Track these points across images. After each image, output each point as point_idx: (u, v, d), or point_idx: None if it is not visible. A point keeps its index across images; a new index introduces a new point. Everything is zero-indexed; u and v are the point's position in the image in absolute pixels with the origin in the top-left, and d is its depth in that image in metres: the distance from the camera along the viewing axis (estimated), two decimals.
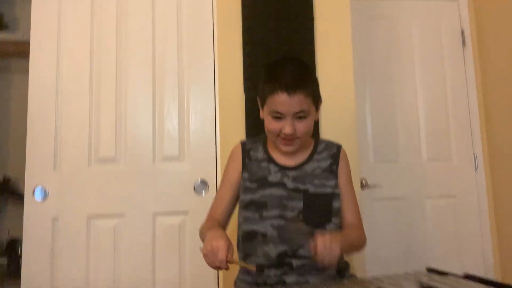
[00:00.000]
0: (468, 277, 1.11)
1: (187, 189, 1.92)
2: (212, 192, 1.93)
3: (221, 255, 1.03)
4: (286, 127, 1.22)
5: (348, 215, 1.34)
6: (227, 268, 1.06)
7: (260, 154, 1.35)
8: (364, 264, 1.97)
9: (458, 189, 2.46)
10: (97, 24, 1.96)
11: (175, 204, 1.91)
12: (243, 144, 1.38)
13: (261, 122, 1.91)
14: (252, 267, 1.10)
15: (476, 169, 2.48)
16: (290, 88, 1.19)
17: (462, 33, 2.57)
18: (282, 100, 1.20)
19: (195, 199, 1.92)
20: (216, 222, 1.29)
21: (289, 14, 1.96)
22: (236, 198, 1.36)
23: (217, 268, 1.06)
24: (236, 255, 1.21)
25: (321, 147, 1.38)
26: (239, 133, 1.91)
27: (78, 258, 1.82)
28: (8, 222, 2.29)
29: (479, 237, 2.43)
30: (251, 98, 1.92)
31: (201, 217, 1.87)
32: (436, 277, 1.14)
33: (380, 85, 2.47)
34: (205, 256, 1.06)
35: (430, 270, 1.22)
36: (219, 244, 1.04)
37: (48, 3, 1.94)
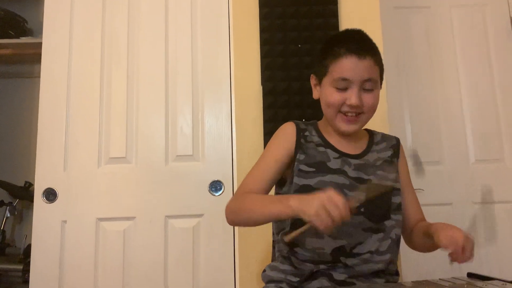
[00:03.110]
0: None
1: (202, 190, 1.80)
2: (228, 194, 1.80)
3: (339, 200, 0.88)
4: (352, 98, 1.08)
5: (415, 212, 1.23)
6: (348, 218, 0.89)
7: (315, 137, 1.19)
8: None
9: None
10: (108, 23, 1.92)
11: (189, 206, 1.80)
12: (296, 123, 1.22)
13: (281, 116, 1.80)
14: None
15: None
16: (360, 51, 1.08)
17: (511, 20, 2.33)
18: (351, 64, 1.08)
19: (210, 200, 1.80)
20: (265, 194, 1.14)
21: None
22: (278, 177, 1.18)
23: (339, 222, 0.88)
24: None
25: (377, 137, 1.25)
26: (257, 130, 1.78)
27: (87, 262, 1.75)
28: (28, 229, 2.25)
29: None
30: (269, 91, 1.78)
31: (217, 220, 1.79)
32: (479, 282, 0.92)
33: (418, 83, 2.30)
34: (318, 216, 0.88)
35: (471, 275, 1.01)
36: (329, 191, 0.89)
37: (60, 5, 1.92)
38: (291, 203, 0.94)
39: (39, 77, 1.89)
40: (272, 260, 1.25)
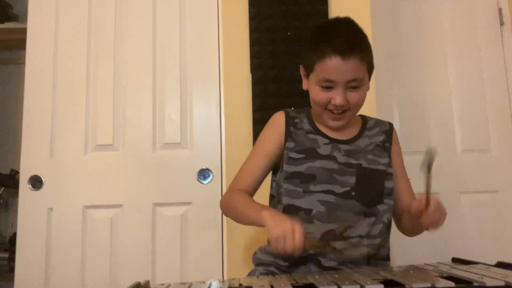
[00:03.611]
0: (501, 265, 0.89)
1: (190, 178, 1.79)
2: (217, 182, 1.79)
3: (299, 236, 0.91)
4: (337, 98, 1.08)
5: (406, 196, 1.22)
6: (298, 253, 0.93)
7: (305, 125, 1.20)
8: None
9: (498, 184, 2.21)
10: (95, 8, 1.89)
11: (177, 194, 1.79)
12: (286, 112, 1.23)
13: (270, 104, 1.80)
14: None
15: None
16: (345, 52, 1.05)
17: (500, 11, 2.35)
18: (335, 66, 1.06)
19: (198, 189, 1.79)
20: (253, 200, 1.17)
21: None
22: (269, 169, 1.22)
23: (289, 253, 0.93)
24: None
25: (370, 123, 1.25)
26: (246, 118, 1.77)
27: (73, 250, 1.73)
28: (14, 217, 2.22)
29: None
30: (258, 79, 1.77)
31: (205, 208, 1.78)
32: (463, 266, 0.93)
33: (407, 71, 2.29)
34: (277, 239, 0.92)
35: (456, 260, 1.02)
36: (295, 225, 0.92)
37: None
38: (263, 214, 0.98)
39: (24, 63, 1.85)
40: None
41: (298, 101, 1.74)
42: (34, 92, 1.82)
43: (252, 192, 1.20)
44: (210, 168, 1.80)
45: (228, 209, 1.19)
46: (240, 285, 0.79)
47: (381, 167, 1.15)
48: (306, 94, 1.20)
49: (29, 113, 1.81)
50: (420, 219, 1.01)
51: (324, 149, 1.15)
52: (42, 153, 1.78)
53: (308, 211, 1.10)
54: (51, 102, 1.81)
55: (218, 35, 1.88)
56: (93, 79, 1.84)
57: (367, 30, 1.79)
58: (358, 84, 1.09)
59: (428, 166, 0.94)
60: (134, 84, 1.84)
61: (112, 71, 1.84)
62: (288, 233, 0.91)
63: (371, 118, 1.27)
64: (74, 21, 1.87)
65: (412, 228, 1.18)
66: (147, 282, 0.85)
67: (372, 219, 1.11)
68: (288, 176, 1.13)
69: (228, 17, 1.84)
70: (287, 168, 1.14)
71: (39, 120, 1.80)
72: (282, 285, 0.76)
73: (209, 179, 1.79)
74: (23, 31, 1.98)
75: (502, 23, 2.33)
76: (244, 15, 1.82)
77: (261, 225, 0.99)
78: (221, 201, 1.22)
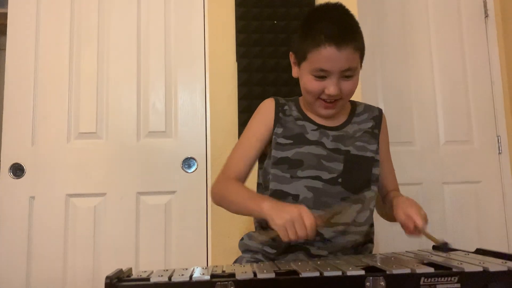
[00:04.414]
0: (479, 251, 0.91)
1: (174, 167, 1.78)
2: (201, 171, 1.78)
3: (309, 218, 0.89)
4: (331, 87, 1.07)
5: (389, 182, 1.25)
6: (313, 236, 0.90)
7: (294, 112, 1.19)
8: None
9: (480, 174, 2.24)
10: None
11: (161, 183, 1.78)
12: (276, 98, 1.22)
13: (256, 93, 1.79)
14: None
15: (500, 152, 2.26)
16: (339, 41, 1.03)
17: (485, 4, 2.37)
18: (329, 55, 1.04)
19: (183, 177, 1.79)
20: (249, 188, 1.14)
21: None
22: (259, 155, 1.19)
23: (303, 237, 0.89)
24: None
25: (359, 108, 1.24)
26: (231, 107, 1.77)
27: (56, 239, 1.72)
28: None
29: (503, 226, 2.22)
30: (244, 68, 1.76)
31: (190, 197, 1.78)
32: (442, 253, 0.95)
33: (392, 62, 2.29)
34: (285, 228, 0.89)
35: (436, 248, 1.03)
36: (301, 209, 0.90)
37: None
38: (264, 205, 0.96)
39: (5, 49, 1.81)
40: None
41: (283, 90, 1.74)
42: (15, 79, 1.78)
43: (243, 179, 1.18)
44: (194, 157, 1.79)
45: (221, 199, 1.14)
46: (223, 272, 0.79)
47: (369, 154, 1.15)
48: (292, 83, 1.20)
49: (10, 100, 1.77)
50: (404, 230, 1.03)
51: (312, 135, 1.15)
52: (23, 141, 1.75)
53: (295, 197, 1.10)
54: (33, 89, 1.78)
55: (203, 23, 1.86)
56: (76, 66, 1.81)
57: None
58: (351, 74, 1.08)
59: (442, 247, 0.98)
60: (118, 71, 1.82)
61: (95, 58, 1.82)
62: (297, 219, 0.88)
63: (360, 103, 1.26)
64: (56, 6, 1.83)
65: (391, 218, 1.19)
66: (130, 269, 0.85)
67: (359, 206, 1.12)
68: (276, 162, 1.13)
69: (214, 4, 1.82)
70: (275, 153, 1.13)
71: (20, 107, 1.77)
72: (265, 271, 0.76)
73: (193, 168, 1.79)
74: (4, 16, 1.93)
75: (486, 15, 2.35)
76: (230, 2, 1.81)
77: (260, 216, 0.97)
78: (212, 191, 1.17)
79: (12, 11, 1.83)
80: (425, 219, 0.99)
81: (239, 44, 1.78)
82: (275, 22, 1.78)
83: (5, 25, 1.84)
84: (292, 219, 0.89)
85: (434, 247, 1.01)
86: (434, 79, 2.30)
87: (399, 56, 2.29)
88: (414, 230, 0.99)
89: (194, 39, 1.85)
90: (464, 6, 2.36)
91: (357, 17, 1.75)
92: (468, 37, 2.34)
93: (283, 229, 0.89)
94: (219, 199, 1.15)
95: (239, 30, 1.79)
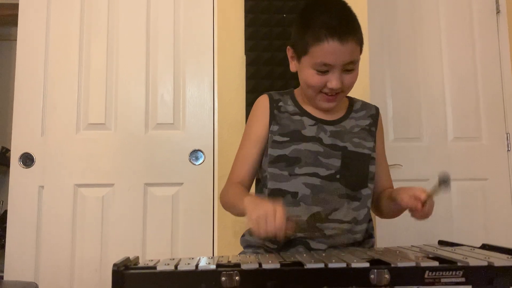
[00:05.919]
0: (485, 246, 0.91)
1: (182, 158, 1.80)
2: (209, 163, 1.79)
3: (280, 216, 0.88)
4: (333, 81, 1.06)
5: (384, 180, 1.25)
6: (282, 235, 0.90)
7: (290, 107, 1.19)
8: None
9: (488, 172, 2.22)
10: None
11: (169, 175, 1.80)
12: (270, 94, 1.22)
13: (264, 86, 1.79)
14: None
15: (508, 149, 2.25)
16: (342, 35, 1.02)
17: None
18: (332, 50, 1.03)
19: (190, 170, 1.80)
20: (245, 189, 1.15)
21: None
22: (262, 155, 1.19)
23: (272, 234, 0.89)
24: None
25: (357, 105, 1.24)
26: (239, 100, 1.77)
27: (64, 228, 1.74)
28: (4, 195, 2.22)
29: (510, 224, 2.21)
30: (252, 61, 1.76)
31: (196, 189, 1.79)
32: (448, 248, 0.95)
33: (401, 57, 2.28)
34: (257, 221, 0.89)
35: (442, 242, 1.03)
36: (276, 206, 0.90)
37: None
38: (244, 200, 0.98)
39: (16, 40, 1.83)
40: None
41: (291, 84, 1.73)
42: (25, 70, 1.80)
43: (249, 182, 1.19)
44: (202, 149, 1.80)
45: (224, 205, 1.18)
46: (229, 261, 0.80)
47: (366, 151, 1.15)
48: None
49: (21, 90, 1.79)
50: (412, 213, 1.03)
51: (309, 130, 1.14)
52: (33, 131, 1.78)
53: (294, 194, 1.10)
54: (43, 79, 1.80)
55: (212, 16, 1.86)
56: (86, 57, 1.82)
57: (363, 14, 1.80)
58: (353, 67, 1.08)
59: (443, 184, 0.95)
60: (127, 63, 1.83)
61: (105, 49, 1.83)
62: (269, 215, 0.88)
63: (357, 100, 1.26)
64: None
65: (389, 213, 1.19)
66: (137, 258, 0.86)
67: (356, 203, 1.12)
68: (273, 160, 1.13)
69: None
70: (271, 152, 1.14)
71: (30, 97, 1.79)
72: (270, 262, 0.77)
73: (201, 160, 1.80)
74: (15, 6, 1.95)
75: (498, 11, 2.33)
76: None
77: (244, 212, 0.97)
78: (219, 198, 1.21)
79: (24, 2, 1.84)
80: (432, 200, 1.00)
81: (248, 37, 1.78)
82: (284, 15, 1.78)
83: (17, 16, 1.86)
84: (265, 215, 0.88)
85: (440, 182, 0.96)
86: (444, 75, 2.29)
87: (408, 51, 2.28)
88: (422, 210, 0.99)
89: (202, 32, 1.85)
90: (475, 1, 2.34)
91: (366, 12, 1.76)
92: (478, 33, 2.32)
93: (254, 223, 0.90)
94: (224, 204, 1.18)
95: (248, 24, 1.78)
